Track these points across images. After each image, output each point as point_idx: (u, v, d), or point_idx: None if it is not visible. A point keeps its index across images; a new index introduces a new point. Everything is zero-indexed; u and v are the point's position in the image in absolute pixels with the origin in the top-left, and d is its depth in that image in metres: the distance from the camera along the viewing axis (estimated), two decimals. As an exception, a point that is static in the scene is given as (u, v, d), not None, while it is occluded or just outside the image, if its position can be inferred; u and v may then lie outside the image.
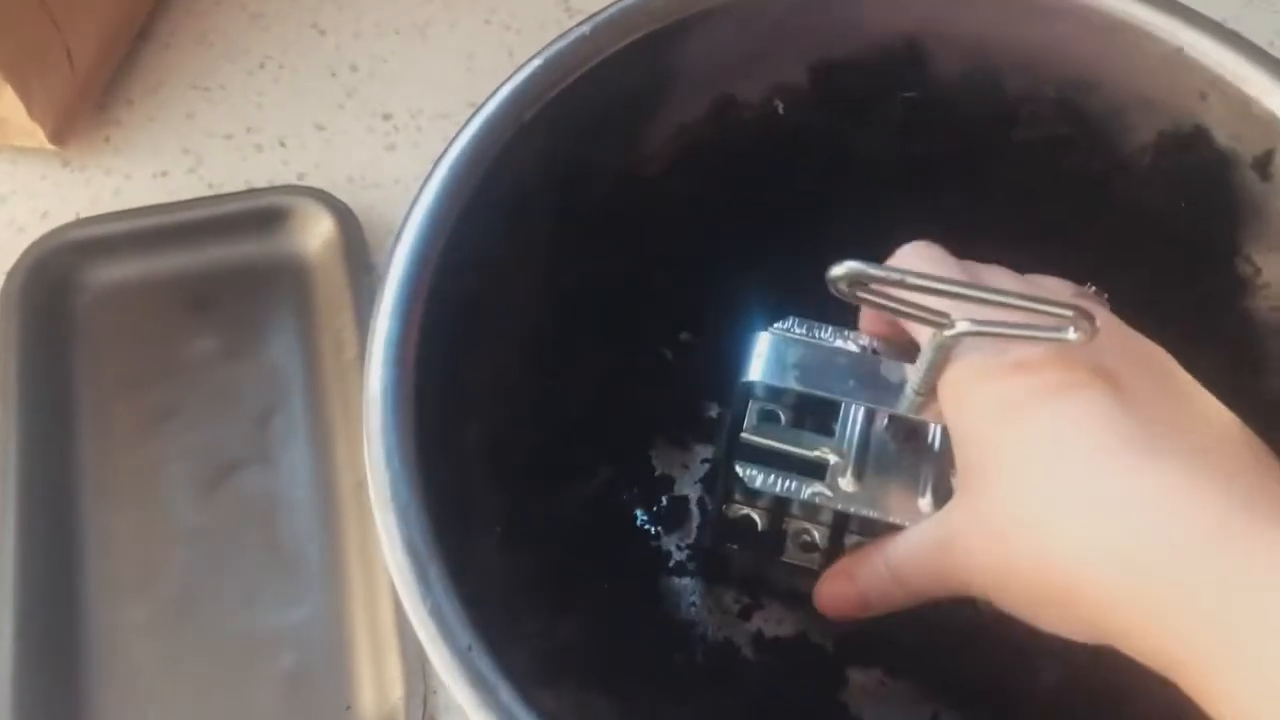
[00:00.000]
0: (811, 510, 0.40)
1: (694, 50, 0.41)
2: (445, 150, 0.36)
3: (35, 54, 0.49)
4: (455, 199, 0.36)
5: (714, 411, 0.45)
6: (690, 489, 0.44)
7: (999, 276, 0.32)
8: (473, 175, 0.36)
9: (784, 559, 0.40)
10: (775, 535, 0.41)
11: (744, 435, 0.38)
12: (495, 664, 0.29)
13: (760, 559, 0.41)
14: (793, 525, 0.41)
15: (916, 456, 0.38)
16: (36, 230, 0.51)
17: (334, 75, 0.57)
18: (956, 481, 0.33)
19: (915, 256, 0.33)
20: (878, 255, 0.31)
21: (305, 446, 0.48)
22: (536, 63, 0.38)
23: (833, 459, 0.38)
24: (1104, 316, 0.30)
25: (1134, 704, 0.38)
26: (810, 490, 0.37)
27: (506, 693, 0.29)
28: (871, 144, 0.43)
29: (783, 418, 0.40)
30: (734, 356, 0.36)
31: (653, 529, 0.43)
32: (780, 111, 0.43)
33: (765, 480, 0.37)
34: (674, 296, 0.44)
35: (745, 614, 0.42)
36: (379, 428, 0.32)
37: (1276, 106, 0.37)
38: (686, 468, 0.44)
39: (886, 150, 0.43)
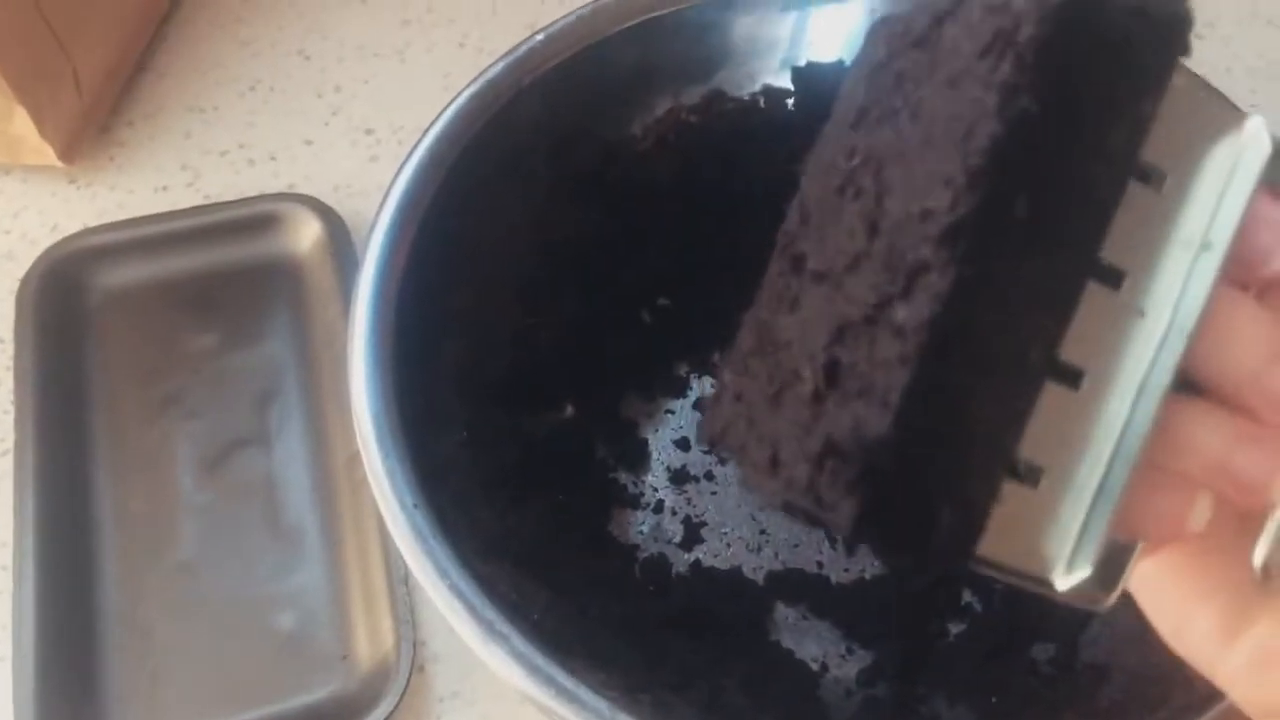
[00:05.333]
0: None
1: (684, 43, 0.46)
2: (449, 103, 0.41)
3: (46, 78, 0.54)
4: (454, 144, 0.41)
5: (684, 371, 0.50)
6: (651, 435, 0.48)
7: None
8: (472, 126, 0.41)
9: None
10: None
11: None
12: (438, 527, 0.34)
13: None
14: None
15: None
16: (47, 242, 0.55)
17: (319, 96, 0.62)
18: None
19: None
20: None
21: (301, 429, 0.52)
22: (539, 37, 0.43)
23: None
24: None
25: (1027, 649, 0.43)
26: None
27: (443, 553, 0.33)
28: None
29: None
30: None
31: (612, 462, 0.47)
32: (762, 105, 0.48)
33: None
34: (654, 264, 0.49)
35: (686, 546, 0.46)
36: (362, 325, 0.37)
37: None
38: (651, 417, 0.49)
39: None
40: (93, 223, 0.56)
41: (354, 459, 0.50)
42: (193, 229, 0.55)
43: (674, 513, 0.47)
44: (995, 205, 0.23)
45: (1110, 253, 0.25)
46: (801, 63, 0.48)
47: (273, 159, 0.60)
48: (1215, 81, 0.43)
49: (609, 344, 0.48)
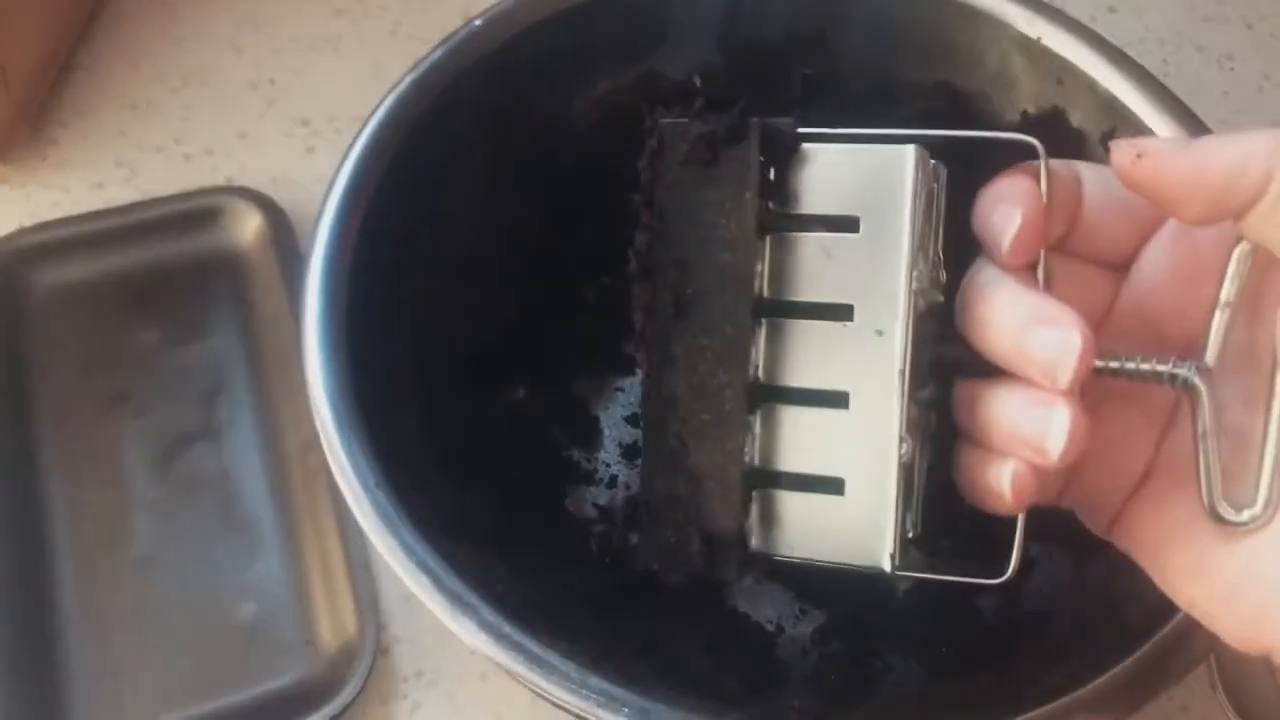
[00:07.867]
0: None
1: (621, 24, 0.47)
2: (392, 87, 0.42)
3: (-27, 78, 0.53)
4: (398, 129, 0.41)
5: (630, 348, 0.51)
6: (602, 413, 0.49)
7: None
8: (414, 111, 0.42)
9: None
10: None
11: None
12: (400, 505, 0.35)
13: None
14: None
15: None
16: (-18, 243, 0.54)
17: (254, 88, 0.62)
18: None
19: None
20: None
21: (251, 421, 0.52)
22: (477, 22, 0.44)
23: None
24: None
25: (972, 602, 0.45)
26: None
27: (406, 530, 0.34)
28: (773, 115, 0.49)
29: None
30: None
31: (565, 440, 0.48)
32: (697, 84, 0.49)
33: None
34: (595, 243, 0.50)
35: (641, 518, 0.47)
36: (314, 312, 0.37)
37: (1116, 90, 0.44)
38: (600, 395, 0.50)
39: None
40: (28, 223, 0.56)
41: (306, 448, 0.51)
42: (132, 225, 0.55)
43: (627, 487, 0.48)
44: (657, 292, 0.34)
45: (837, 294, 0.31)
46: (736, 42, 0.49)
47: (209, 153, 0.60)
48: (1130, 51, 0.45)
49: (556, 324, 0.49)
